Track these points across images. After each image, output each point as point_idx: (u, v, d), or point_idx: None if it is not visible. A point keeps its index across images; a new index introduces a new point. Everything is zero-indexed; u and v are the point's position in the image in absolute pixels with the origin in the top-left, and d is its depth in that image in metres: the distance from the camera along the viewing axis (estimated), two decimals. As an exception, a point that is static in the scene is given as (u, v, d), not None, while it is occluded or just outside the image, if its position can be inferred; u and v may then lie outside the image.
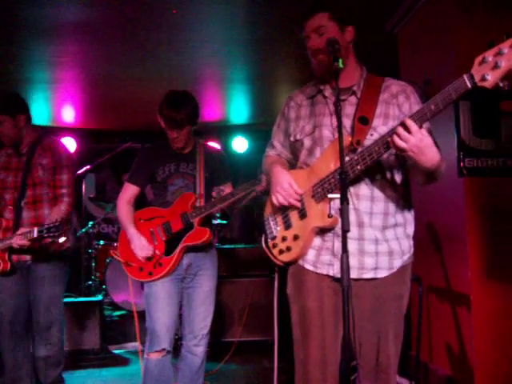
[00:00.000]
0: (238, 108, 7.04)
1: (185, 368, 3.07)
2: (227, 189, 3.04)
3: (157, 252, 2.97)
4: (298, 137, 2.17)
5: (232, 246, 5.71)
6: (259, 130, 7.50)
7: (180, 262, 2.99)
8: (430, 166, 1.84)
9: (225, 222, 6.06)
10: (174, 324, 2.98)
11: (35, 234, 2.96)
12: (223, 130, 7.60)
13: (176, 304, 3.00)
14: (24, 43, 4.53)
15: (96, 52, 4.80)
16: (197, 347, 3.04)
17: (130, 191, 3.11)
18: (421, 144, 1.77)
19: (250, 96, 6.54)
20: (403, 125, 1.78)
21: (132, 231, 3.00)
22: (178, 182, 3.07)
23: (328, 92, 2.13)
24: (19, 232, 3.04)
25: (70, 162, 3.30)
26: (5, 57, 4.76)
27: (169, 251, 2.97)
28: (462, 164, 3.24)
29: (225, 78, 5.79)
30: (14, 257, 3.19)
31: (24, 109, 3.30)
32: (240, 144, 7.66)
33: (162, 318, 2.92)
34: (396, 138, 1.79)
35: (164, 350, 2.92)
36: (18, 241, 3.01)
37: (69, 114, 6.82)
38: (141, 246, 2.96)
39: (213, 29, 4.31)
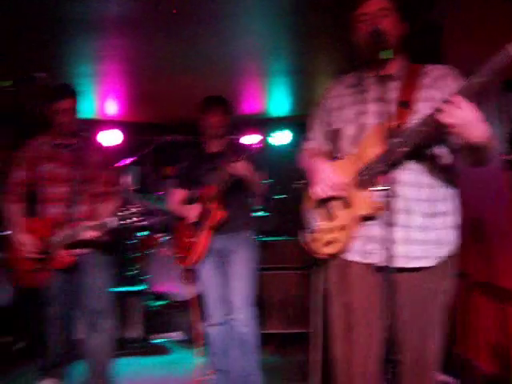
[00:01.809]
0: (280, 100, 7.01)
1: (234, 342, 3.39)
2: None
3: (191, 239, 3.44)
4: (339, 126, 2.15)
5: (271, 239, 5.70)
6: (301, 122, 7.45)
7: (212, 246, 3.38)
8: (480, 142, 1.78)
9: (265, 214, 6.06)
10: (221, 300, 3.41)
11: (115, 223, 2.95)
12: (264, 123, 7.59)
13: (218, 284, 3.42)
14: (69, 39, 4.62)
15: (139, 45, 4.86)
16: (236, 321, 3.33)
17: (177, 195, 3.58)
18: (469, 117, 1.71)
19: (291, 88, 6.50)
20: (449, 101, 1.73)
21: (181, 209, 3.53)
22: (206, 179, 3.44)
23: (370, 79, 2.11)
24: (88, 224, 3.01)
25: (114, 160, 3.40)
26: (50, 53, 4.85)
27: (197, 237, 3.44)
28: (507, 157, 3.15)
29: (266, 70, 5.76)
30: (77, 250, 3.17)
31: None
32: (281, 137, 7.62)
33: (209, 298, 3.44)
34: (443, 114, 1.74)
35: (216, 323, 3.42)
36: (91, 233, 3.00)
37: (112, 107, 6.94)
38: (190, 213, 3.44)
39: (254, 21, 4.31)
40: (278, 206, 7.35)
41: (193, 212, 3.42)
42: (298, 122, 7.47)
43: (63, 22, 4.21)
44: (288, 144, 7.59)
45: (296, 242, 5.45)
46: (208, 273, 3.45)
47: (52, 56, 4.90)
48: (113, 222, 2.95)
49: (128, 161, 6.19)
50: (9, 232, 3.20)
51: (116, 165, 3.41)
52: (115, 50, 5.06)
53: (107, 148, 3.39)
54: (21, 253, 3.08)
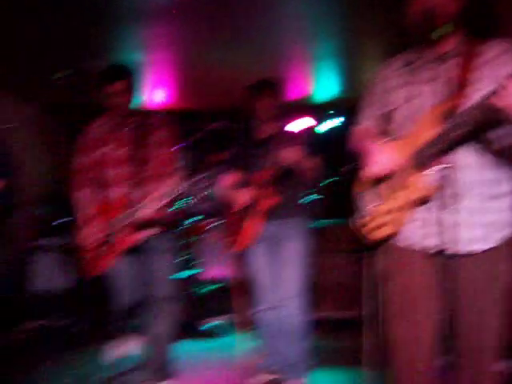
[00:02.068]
0: (327, 84, 6.93)
1: (283, 330, 3.35)
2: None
3: (239, 225, 3.44)
4: (393, 107, 2.10)
5: (321, 222, 5.67)
6: (349, 106, 7.35)
7: (261, 231, 3.36)
8: None
9: (315, 197, 6.04)
10: (270, 287, 3.40)
11: (182, 189, 2.82)
12: (312, 108, 7.53)
13: (268, 271, 3.42)
14: (116, 28, 4.71)
15: (185, 34, 4.90)
16: (287, 310, 3.29)
17: (231, 177, 3.51)
18: None
19: (339, 72, 6.42)
20: (505, 83, 1.66)
21: (232, 194, 3.46)
22: (256, 163, 3.43)
23: (426, 58, 2.05)
24: (156, 194, 2.91)
25: (175, 139, 3.28)
26: (97, 42, 4.94)
27: (246, 222, 3.42)
28: None
29: (312, 53, 5.71)
30: (141, 232, 3.13)
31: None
32: (329, 121, 7.55)
33: (258, 284, 3.45)
34: (498, 97, 1.67)
35: (264, 308, 3.43)
36: (157, 202, 2.90)
37: (161, 95, 7.02)
38: (240, 197, 3.41)
39: (300, 3, 4.27)
40: (328, 189, 7.31)
41: (244, 197, 3.40)
42: (346, 106, 7.39)
43: (111, 13, 4.29)
44: (336, 128, 7.52)
45: (347, 226, 5.45)
46: (259, 259, 3.44)
47: (100, 46, 4.99)
48: (180, 188, 2.83)
49: (175, 147, 6.26)
50: (75, 218, 3.23)
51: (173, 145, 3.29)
52: (162, 39, 5.13)
53: (167, 127, 3.25)
54: (86, 238, 3.12)
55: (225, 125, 6.33)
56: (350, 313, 5.03)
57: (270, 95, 3.45)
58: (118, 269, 3.15)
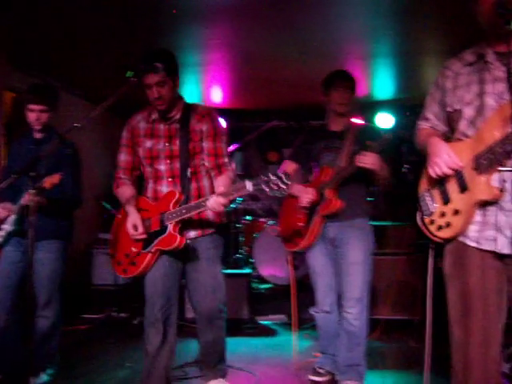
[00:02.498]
0: (383, 83, 6.84)
1: (342, 333, 3.31)
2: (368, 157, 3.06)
3: (300, 224, 3.35)
4: (457, 107, 2.06)
5: (378, 223, 5.61)
6: (405, 105, 7.24)
7: (324, 233, 3.30)
8: None
9: (371, 199, 5.98)
10: (330, 288, 3.37)
11: (250, 188, 2.46)
12: (367, 106, 7.45)
13: (329, 272, 3.36)
14: (176, 29, 4.79)
15: (244, 33, 4.93)
16: (348, 314, 3.23)
17: (288, 168, 3.45)
18: None
19: (395, 70, 6.32)
20: None
21: (295, 189, 3.37)
22: (326, 157, 3.35)
23: (491, 57, 1.99)
24: (220, 191, 2.63)
25: (225, 131, 3.06)
26: (157, 43, 5.03)
27: (309, 222, 3.33)
28: None
29: (369, 52, 5.63)
30: (190, 233, 2.92)
31: (178, 69, 2.91)
32: (385, 120, 7.45)
33: (318, 286, 3.40)
34: None
35: (323, 311, 3.41)
36: (220, 200, 2.58)
37: (217, 95, 7.11)
38: (304, 194, 3.30)
39: (357, 2, 4.23)
40: (384, 190, 7.22)
41: (307, 195, 3.26)
42: (403, 105, 7.28)
43: (168, 13, 4.36)
44: (391, 127, 7.41)
45: (402, 227, 5.39)
46: (319, 260, 3.36)
47: (160, 46, 5.09)
48: (247, 185, 2.48)
49: (232, 147, 6.33)
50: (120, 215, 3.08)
51: (227, 139, 3.05)
52: (220, 39, 5.18)
53: (213, 118, 2.98)
54: (130, 236, 2.88)
55: (279, 124, 6.35)
56: (403, 315, 4.97)
57: (345, 88, 3.31)
58: (158, 268, 2.88)
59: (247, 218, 6.62)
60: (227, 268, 5.93)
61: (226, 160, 2.97)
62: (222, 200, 2.57)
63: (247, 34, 4.94)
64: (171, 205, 2.79)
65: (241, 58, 5.69)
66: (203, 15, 4.52)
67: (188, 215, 2.72)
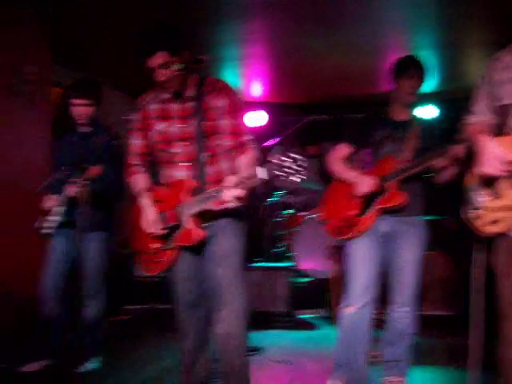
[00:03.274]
0: (426, 75, 6.72)
1: (388, 330, 3.16)
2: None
3: (353, 212, 3.10)
4: (507, 101, 2.00)
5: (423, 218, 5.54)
6: (448, 98, 7.11)
7: (377, 226, 3.06)
8: None
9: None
10: (371, 284, 3.06)
11: (264, 175, 2.24)
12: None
13: (374, 265, 3.08)
14: (216, 24, 4.82)
15: (284, 27, 4.94)
16: (397, 313, 3.09)
17: (341, 151, 3.23)
18: None
19: (438, 62, 6.20)
20: None
21: (352, 175, 3.13)
22: (389, 147, 3.11)
23: None
24: (230, 182, 2.37)
25: (244, 106, 2.77)
26: (197, 39, 5.07)
27: (364, 212, 3.07)
28: None
29: (410, 44, 5.56)
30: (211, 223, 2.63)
31: (187, 42, 2.60)
32: (428, 113, 7.32)
33: (358, 276, 3.06)
34: None
35: (358, 307, 3.03)
36: (233, 192, 2.34)
37: (257, 89, 7.12)
38: (363, 182, 3.03)
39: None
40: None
41: (367, 185, 3.02)
42: (445, 98, 7.14)
43: (208, 8, 4.40)
44: (434, 120, 7.28)
45: (441, 221, 5.30)
46: (365, 252, 3.07)
47: (200, 41, 5.12)
48: (259, 172, 2.28)
49: (272, 141, 6.34)
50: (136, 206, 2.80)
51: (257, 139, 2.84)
52: (259, 33, 5.20)
53: (230, 93, 2.66)
54: (146, 229, 2.66)
55: (319, 118, 6.32)
56: (443, 311, 4.91)
57: (415, 76, 3.05)
58: (180, 265, 2.70)
59: (287, 211, 6.63)
60: (267, 261, 5.96)
61: (248, 138, 2.67)
62: (235, 192, 2.34)
63: (286, 27, 4.94)
64: (185, 195, 2.57)
65: (280, 51, 5.70)
66: (243, 9, 4.55)
67: (203, 207, 2.50)
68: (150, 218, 2.64)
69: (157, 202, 2.69)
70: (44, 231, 3.46)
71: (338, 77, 6.34)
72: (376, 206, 3.04)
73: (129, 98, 6.61)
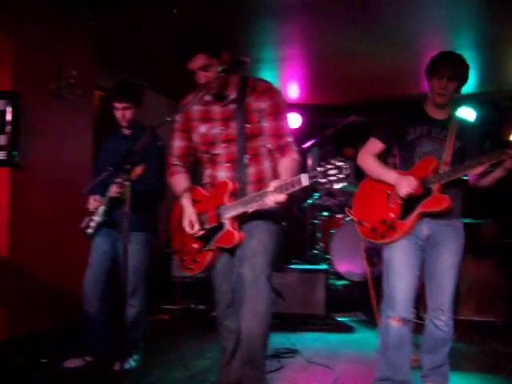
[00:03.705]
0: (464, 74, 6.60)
1: (427, 337, 3.03)
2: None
3: (391, 215, 2.92)
4: None
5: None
6: (487, 99, 6.98)
7: (416, 229, 2.91)
8: None
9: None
10: (412, 291, 2.92)
11: (305, 182, 2.21)
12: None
13: (414, 272, 2.93)
14: (255, 26, 4.85)
15: (321, 28, 4.93)
16: (438, 320, 2.95)
17: (373, 146, 3.03)
18: None
19: (477, 63, 6.09)
20: None
21: (392, 176, 2.93)
22: (427, 145, 2.94)
23: None
24: (273, 187, 2.34)
25: (287, 109, 2.72)
26: (237, 41, 5.10)
27: (404, 215, 2.90)
28: None
29: (450, 43, 5.47)
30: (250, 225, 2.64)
31: (227, 43, 2.61)
32: (466, 115, 7.20)
33: (399, 285, 2.89)
34: None
35: (401, 317, 2.88)
36: (275, 197, 2.33)
37: (294, 90, 7.13)
38: (406, 183, 2.84)
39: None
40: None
41: (409, 187, 2.84)
42: (484, 99, 7.01)
43: (248, 9, 4.42)
44: (474, 121, 7.15)
45: (481, 225, 5.20)
46: (405, 258, 2.91)
47: (237, 43, 5.16)
48: (303, 179, 2.24)
49: (308, 143, 6.33)
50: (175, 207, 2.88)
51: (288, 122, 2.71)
52: (296, 35, 5.20)
53: (273, 94, 2.64)
54: (186, 229, 2.69)
55: (355, 120, 6.26)
56: (486, 316, 4.82)
57: (456, 74, 2.85)
58: (219, 267, 2.74)
59: (324, 214, 6.62)
60: (304, 264, 5.95)
61: (290, 140, 2.65)
62: (278, 197, 2.32)
63: (323, 29, 4.94)
64: (226, 197, 2.58)
65: (317, 53, 5.70)
66: (280, 11, 4.57)
67: (244, 210, 2.51)
68: (191, 218, 2.66)
69: (198, 202, 2.71)
70: (88, 231, 3.54)
71: (376, 78, 6.29)
72: (419, 209, 2.87)
73: (167, 99, 6.72)
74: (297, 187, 2.27)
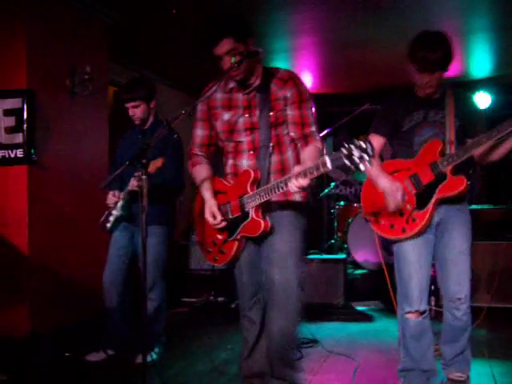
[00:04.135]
0: (480, 60, 6.52)
1: (446, 328, 2.93)
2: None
3: (408, 206, 2.75)
4: None
5: (478, 207, 5.39)
6: (504, 83, 6.89)
7: (433, 217, 2.77)
8: None
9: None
10: (427, 284, 2.82)
11: (329, 165, 2.11)
12: (463, 85, 7.14)
13: (428, 264, 2.83)
14: (267, 16, 4.82)
15: (334, 17, 4.89)
16: (456, 310, 2.83)
17: (375, 143, 2.71)
18: None
19: (493, 46, 6.02)
20: None
21: (384, 183, 2.76)
22: (426, 132, 2.81)
23: None
24: (297, 171, 2.26)
25: (311, 97, 2.64)
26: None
27: (421, 205, 2.75)
28: None
29: (465, 27, 5.40)
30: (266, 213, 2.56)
31: (251, 29, 2.52)
32: (482, 99, 7.13)
33: (414, 280, 2.79)
34: None
35: (418, 311, 2.79)
36: (299, 181, 2.24)
37: (307, 80, 7.09)
38: (393, 191, 2.70)
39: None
40: (480, 173, 6.93)
41: (396, 199, 2.71)
42: (500, 83, 6.93)
43: (259, 1, 4.40)
44: (488, 107, 7.08)
45: (503, 210, 5.14)
46: (420, 249, 2.80)
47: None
48: (328, 162, 2.13)
49: (322, 133, 6.30)
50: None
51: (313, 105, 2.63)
52: (309, 24, 5.16)
53: (296, 82, 2.57)
54: (209, 221, 2.62)
55: (369, 108, 6.21)
56: (505, 303, 4.80)
57: (442, 64, 2.71)
58: (242, 258, 2.68)
59: (341, 203, 6.60)
60: (322, 253, 5.95)
61: (314, 129, 2.58)
62: (302, 181, 2.24)
63: (336, 18, 4.90)
64: (249, 186, 2.52)
65: (330, 42, 5.66)
66: (293, 1, 4.53)
67: (268, 198, 2.44)
68: (212, 209, 2.61)
69: (220, 192, 2.66)
70: (107, 226, 3.57)
71: (389, 66, 6.23)
72: (436, 196, 2.71)
73: (179, 93, 6.73)
74: (322, 170, 2.18)
